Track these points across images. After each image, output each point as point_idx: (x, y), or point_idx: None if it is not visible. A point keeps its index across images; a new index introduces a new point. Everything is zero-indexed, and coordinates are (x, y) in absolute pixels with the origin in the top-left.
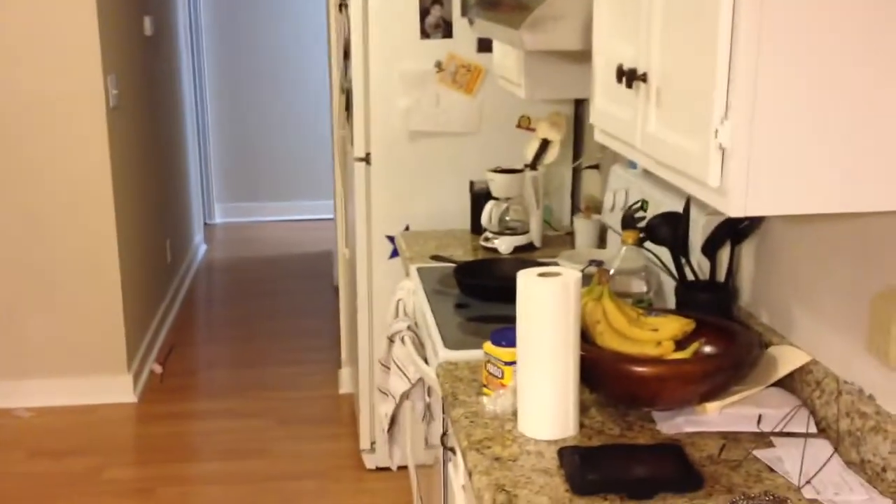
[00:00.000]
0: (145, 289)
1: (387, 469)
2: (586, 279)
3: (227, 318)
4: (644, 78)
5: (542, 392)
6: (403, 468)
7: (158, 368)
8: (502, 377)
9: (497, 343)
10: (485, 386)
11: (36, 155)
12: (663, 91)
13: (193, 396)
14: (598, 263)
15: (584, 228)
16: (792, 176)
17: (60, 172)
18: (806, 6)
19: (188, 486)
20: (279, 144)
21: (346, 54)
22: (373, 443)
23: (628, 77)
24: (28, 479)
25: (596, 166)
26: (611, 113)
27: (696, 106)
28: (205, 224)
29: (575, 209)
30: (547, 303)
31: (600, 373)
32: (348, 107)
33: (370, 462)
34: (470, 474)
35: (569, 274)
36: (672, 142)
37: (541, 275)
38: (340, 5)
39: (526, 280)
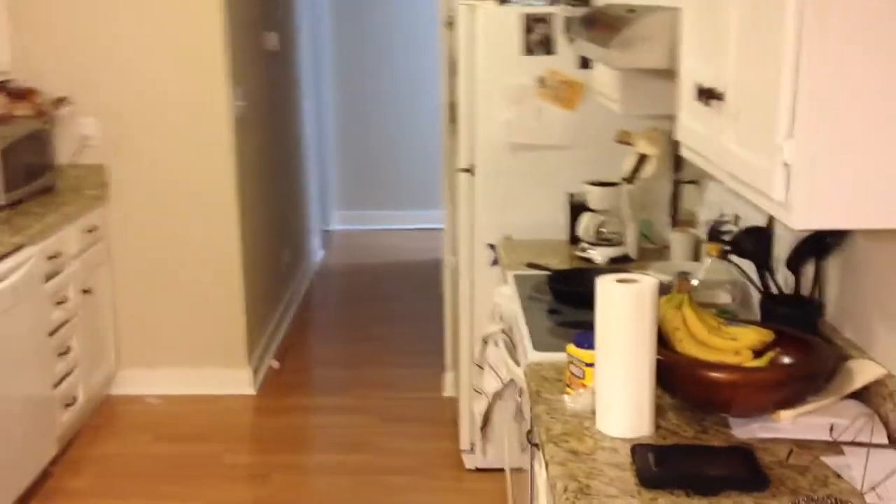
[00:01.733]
0: (265, 290)
1: (485, 470)
2: (670, 289)
3: (340, 320)
4: (721, 96)
5: (617, 392)
6: (501, 470)
7: (276, 364)
8: (583, 377)
9: (579, 345)
10: (567, 385)
11: (168, 162)
12: (737, 109)
13: (307, 392)
14: (685, 274)
15: (679, 242)
16: (854, 192)
17: (190, 179)
18: (868, 26)
19: (299, 475)
20: (396, 155)
21: (453, 69)
22: (472, 444)
23: (707, 95)
24: (154, 460)
25: (695, 181)
26: (692, 129)
27: (763, 123)
28: (323, 231)
29: (675, 223)
30: (623, 307)
31: (677, 377)
32: (454, 119)
33: (469, 462)
34: (546, 465)
35: (646, 281)
36: (743, 157)
37: (619, 281)
38: (449, 23)
39: (604, 285)
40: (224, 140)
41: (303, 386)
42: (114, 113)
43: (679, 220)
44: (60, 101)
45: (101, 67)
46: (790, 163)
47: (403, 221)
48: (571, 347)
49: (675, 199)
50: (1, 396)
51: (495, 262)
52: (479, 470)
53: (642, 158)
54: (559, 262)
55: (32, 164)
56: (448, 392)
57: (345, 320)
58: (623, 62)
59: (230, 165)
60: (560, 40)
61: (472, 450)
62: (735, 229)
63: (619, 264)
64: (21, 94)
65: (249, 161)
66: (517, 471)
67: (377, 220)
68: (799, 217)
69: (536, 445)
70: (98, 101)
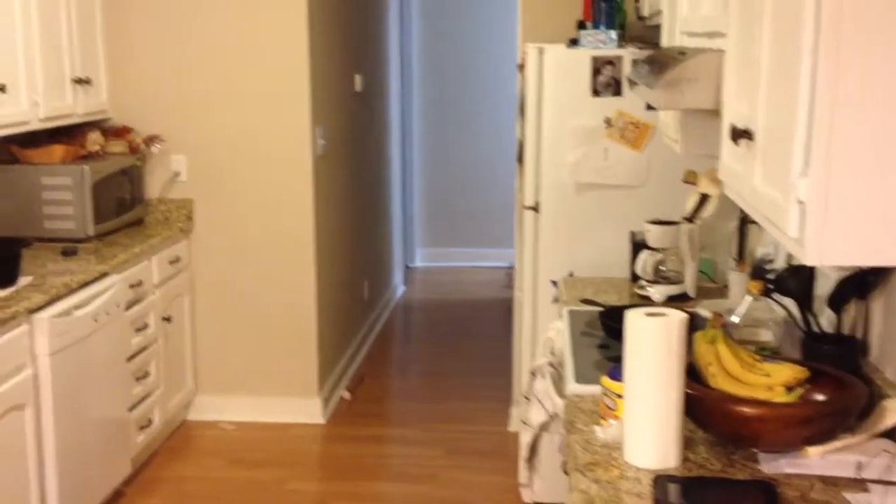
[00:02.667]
0: (340, 322)
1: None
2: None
3: (416, 354)
4: (752, 136)
5: (644, 423)
6: None
7: (348, 395)
8: (616, 409)
9: (613, 377)
10: (602, 417)
11: (250, 196)
12: (764, 148)
13: (376, 423)
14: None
15: (737, 281)
16: (867, 229)
17: (270, 213)
18: (880, 69)
19: (358, 503)
20: (477, 195)
21: (522, 109)
22: (529, 480)
23: (739, 135)
24: (224, 484)
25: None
26: (732, 168)
27: (782, 162)
28: (406, 267)
29: (739, 263)
30: (650, 340)
31: (706, 411)
32: (521, 158)
33: (527, 496)
34: (570, 491)
35: (674, 314)
36: (767, 195)
37: (648, 314)
38: (520, 65)
39: (633, 318)
40: (305, 178)
41: (372, 417)
42: (202, 151)
43: (742, 259)
44: (152, 139)
45: (192, 107)
46: (804, 200)
47: (484, 259)
48: (605, 379)
49: (742, 239)
50: (79, 415)
51: (557, 300)
52: None
53: (704, 198)
54: (618, 300)
55: (123, 198)
56: (513, 427)
57: (419, 354)
58: (667, 103)
59: (309, 202)
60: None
61: (530, 484)
62: (778, 268)
63: (676, 302)
64: (116, 132)
65: (330, 198)
66: None
67: (458, 258)
68: (812, 253)
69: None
70: (187, 139)
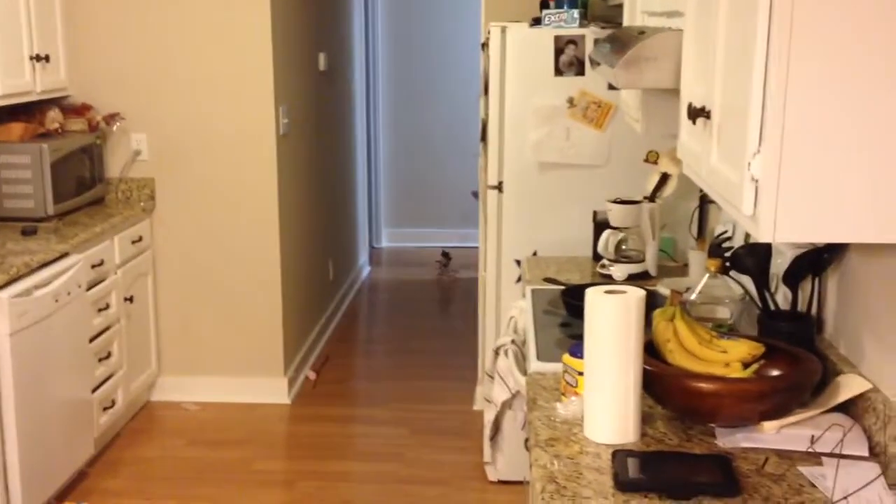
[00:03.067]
0: (305, 303)
1: (507, 482)
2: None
3: (379, 334)
4: (708, 115)
5: (603, 399)
6: (521, 483)
7: (313, 375)
8: (577, 386)
9: (573, 354)
10: (563, 394)
11: (213, 176)
12: (719, 127)
13: (341, 403)
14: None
15: (697, 259)
16: (820, 206)
17: (233, 193)
18: (832, 50)
19: (325, 482)
20: (443, 175)
21: (486, 88)
22: (493, 458)
23: (696, 114)
24: (187, 464)
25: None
26: (689, 147)
27: (737, 141)
28: (371, 247)
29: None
30: (609, 317)
31: (664, 387)
32: (484, 138)
33: (491, 474)
34: (531, 467)
35: (633, 292)
36: (723, 173)
37: (607, 292)
38: (483, 44)
39: (592, 296)
40: (268, 157)
41: (337, 397)
42: (163, 129)
43: (703, 238)
44: (112, 117)
45: (152, 85)
46: (758, 178)
47: (450, 239)
48: (566, 357)
49: (702, 217)
50: (41, 396)
51: (521, 279)
52: (500, 482)
53: (664, 177)
54: (581, 278)
55: (83, 177)
56: (478, 406)
57: (384, 334)
58: (627, 82)
59: (272, 181)
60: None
61: (493, 462)
62: (736, 246)
63: (637, 281)
64: (75, 110)
65: (293, 178)
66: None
67: (424, 238)
68: (766, 230)
69: None
70: (148, 117)
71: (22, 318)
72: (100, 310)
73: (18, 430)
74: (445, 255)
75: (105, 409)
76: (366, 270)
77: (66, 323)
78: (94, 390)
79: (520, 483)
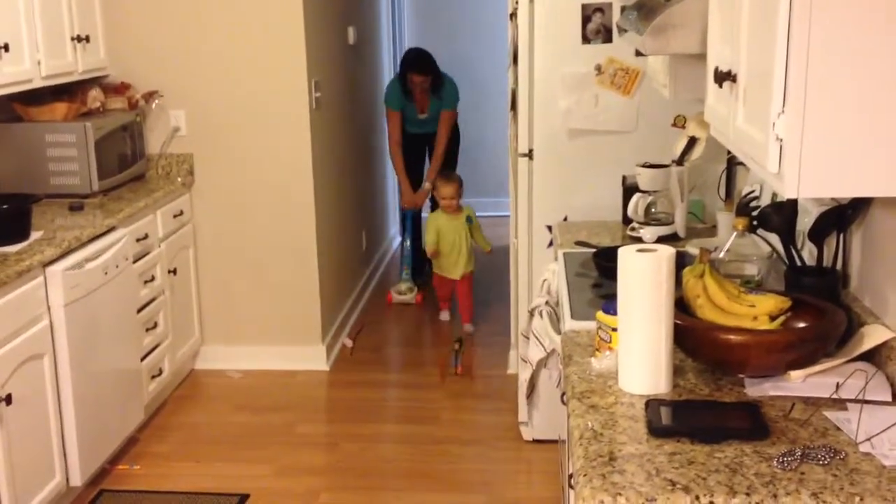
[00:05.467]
0: (340, 272)
1: (542, 441)
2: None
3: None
4: (734, 78)
5: (636, 352)
6: (556, 441)
7: (349, 342)
8: (610, 341)
9: (607, 311)
10: (597, 350)
11: (249, 150)
12: (745, 89)
13: (377, 368)
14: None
15: (725, 221)
16: (842, 162)
17: (269, 166)
18: (853, 10)
19: (365, 443)
20: (474, 144)
21: (515, 58)
22: (529, 417)
23: (722, 78)
24: (232, 429)
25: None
26: (716, 110)
27: (763, 101)
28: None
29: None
30: (641, 274)
31: (694, 340)
32: (514, 106)
33: (527, 434)
34: (568, 417)
35: (663, 249)
36: (749, 133)
37: (639, 251)
38: (511, 14)
39: (624, 254)
40: (302, 130)
41: (374, 363)
42: (200, 105)
43: (730, 199)
44: (151, 95)
45: (188, 63)
46: (782, 137)
47: (482, 208)
48: (600, 314)
49: (729, 179)
50: (94, 364)
51: (552, 244)
52: (535, 441)
53: (692, 141)
54: (611, 242)
55: (125, 154)
56: (512, 369)
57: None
58: (655, 48)
59: (307, 154)
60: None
61: (528, 422)
62: (763, 205)
63: (666, 243)
64: (115, 89)
65: (327, 150)
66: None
67: None
68: (790, 187)
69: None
70: (186, 94)
71: (74, 290)
72: (146, 282)
73: (74, 396)
74: (459, 341)
75: (153, 377)
76: (397, 241)
77: (115, 294)
78: (142, 359)
79: (555, 442)
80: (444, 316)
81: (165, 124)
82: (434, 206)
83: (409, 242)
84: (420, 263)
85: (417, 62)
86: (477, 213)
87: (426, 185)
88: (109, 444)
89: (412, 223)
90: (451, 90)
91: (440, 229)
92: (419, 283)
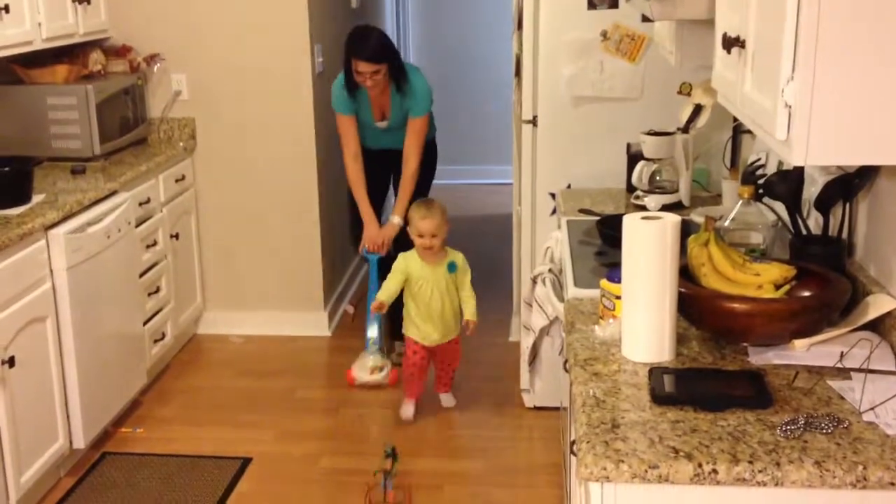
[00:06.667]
0: (342, 240)
1: (543, 408)
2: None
3: None
4: (742, 44)
5: (640, 320)
6: (557, 409)
7: (351, 309)
8: (614, 309)
9: (611, 279)
10: (600, 318)
11: (251, 115)
12: (754, 55)
13: None
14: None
15: (730, 189)
16: (851, 130)
17: (271, 131)
18: None
19: (366, 409)
20: (478, 111)
21: (520, 24)
22: (531, 384)
23: (731, 44)
24: (234, 393)
25: (751, 130)
26: (724, 76)
27: (771, 68)
28: None
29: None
30: (646, 241)
31: (698, 308)
32: (518, 73)
33: (528, 401)
34: (571, 384)
35: (669, 217)
36: (757, 100)
37: (644, 218)
38: None
39: (630, 222)
40: (305, 95)
41: None
42: (202, 69)
43: (735, 168)
44: (153, 58)
45: (190, 26)
46: (791, 104)
47: (483, 176)
48: (604, 282)
49: (735, 148)
50: (97, 328)
51: (555, 212)
52: (537, 408)
53: (698, 108)
54: (615, 209)
55: (126, 117)
56: (513, 337)
57: None
58: (662, 14)
59: (309, 119)
60: None
61: (530, 390)
62: (769, 173)
63: (671, 211)
64: (116, 52)
65: (330, 116)
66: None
67: (457, 175)
68: (798, 154)
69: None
70: (187, 57)
71: (77, 254)
72: (148, 246)
73: (77, 359)
74: (392, 455)
75: (155, 341)
76: None
77: (118, 259)
78: (144, 323)
79: (556, 409)
80: (407, 412)
81: (167, 88)
82: (406, 244)
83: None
84: (397, 328)
85: (362, 44)
86: (485, 181)
87: (394, 219)
88: (112, 407)
89: (378, 271)
90: (421, 89)
91: (411, 277)
92: (395, 356)
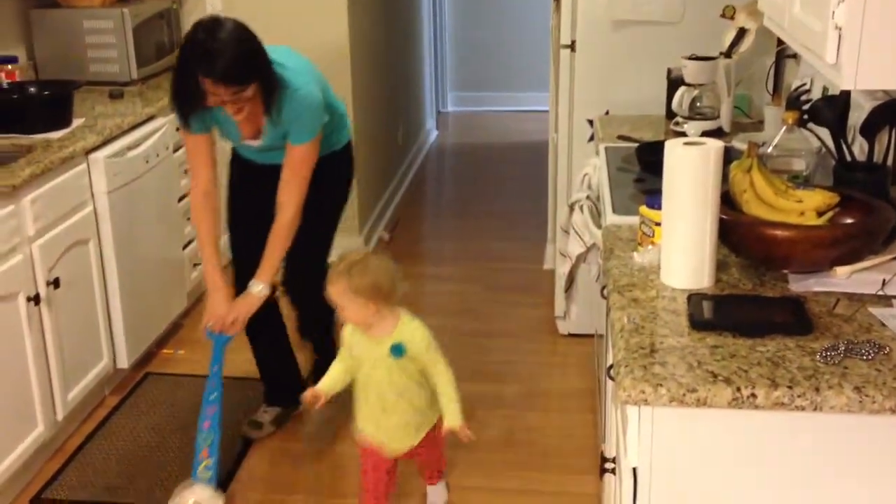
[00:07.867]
0: (378, 166)
1: (577, 335)
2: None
3: (450, 197)
4: None
5: (680, 246)
6: (591, 336)
7: (386, 236)
8: (653, 236)
9: (651, 206)
10: (639, 244)
11: (286, 39)
12: None
13: (414, 262)
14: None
15: (772, 115)
16: None
17: (307, 55)
18: None
19: None
20: (512, 37)
21: None
22: (566, 311)
23: None
24: None
25: (795, 55)
26: None
27: None
28: (438, 112)
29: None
30: (688, 167)
31: (739, 235)
32: None
33: (563, 328)
34: (609, 310)
35: (712, 143)
36: (807, 23)
37: (686, 143)
38: None
39: (671, 147)
40: (340, 22)
41: (411, 256)
42: None
43: (778, 93)
44: None
45: None
46: (841, 25)
47: (518, 103)
48: (643, 208)
49: (777, 73)
50: (138, 251)
51: (592, 138)
52: (571, 335)
53: (741, 32)
54: (654, 136)
55: (162, 42)
56: (548, 264)
57: (454, 197)
58: None
59: (345, 47)
60: None
61: (564, 316)
62: (811, 98)
63: (711, 137)
64: None
65: (364, 43)
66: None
67: (491, 102)
68: (848, 78)
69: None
70: None
71: (117, 178)
72: (186, 171)
73: (120, 281)
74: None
75: (195, 265)
76: (433, 135)
77: (157, 183)
78: (184, 248)
79: (590, 336)
80: None
81: (202, 12)
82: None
83: (215, 396)
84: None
85: (210, 58)
86: (521, 108)
87: (256, 286)
88: (154, 328)
89: (219, 357)
90: (304, 111)
91: (353, 355)
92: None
